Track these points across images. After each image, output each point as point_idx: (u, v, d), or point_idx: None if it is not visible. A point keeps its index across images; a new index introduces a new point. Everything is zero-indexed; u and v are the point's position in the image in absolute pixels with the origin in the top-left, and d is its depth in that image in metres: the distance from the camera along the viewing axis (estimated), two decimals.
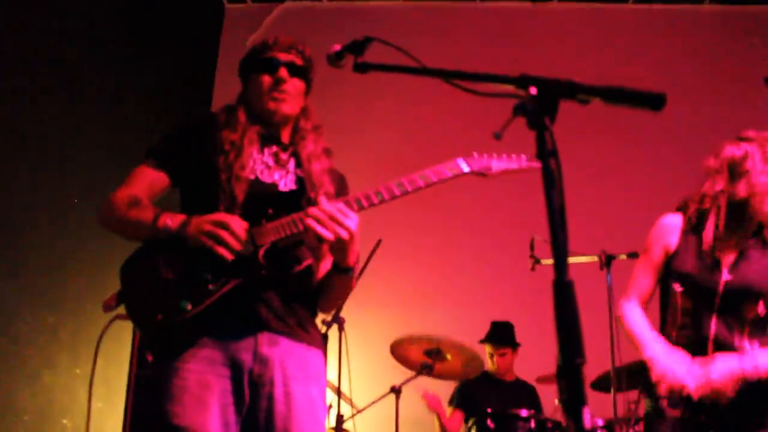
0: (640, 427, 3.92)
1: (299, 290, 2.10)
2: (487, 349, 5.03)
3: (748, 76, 5.98)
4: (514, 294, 5.65)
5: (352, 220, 1.95)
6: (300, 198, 2.09)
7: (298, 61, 2.21)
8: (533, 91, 1.26)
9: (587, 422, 1.07)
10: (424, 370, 4.18)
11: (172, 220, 1.98)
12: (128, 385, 4.01)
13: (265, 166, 2.14)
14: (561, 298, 1.16)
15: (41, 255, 4.35)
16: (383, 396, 4.21)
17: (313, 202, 2.03)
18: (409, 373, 4.26)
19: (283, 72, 2.18)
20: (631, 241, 4.22)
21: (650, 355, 2.46)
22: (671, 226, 2.61)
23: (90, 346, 4.56)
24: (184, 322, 1.92)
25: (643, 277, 2.60)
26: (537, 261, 4.40)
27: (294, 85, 2.21)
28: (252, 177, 2.09)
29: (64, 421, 4.40)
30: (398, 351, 4.17)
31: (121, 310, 2.01)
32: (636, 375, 3.96)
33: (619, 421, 3.72)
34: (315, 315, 2.21)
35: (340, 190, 2.24)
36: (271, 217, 2.00)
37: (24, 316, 4.24)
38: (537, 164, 2.06)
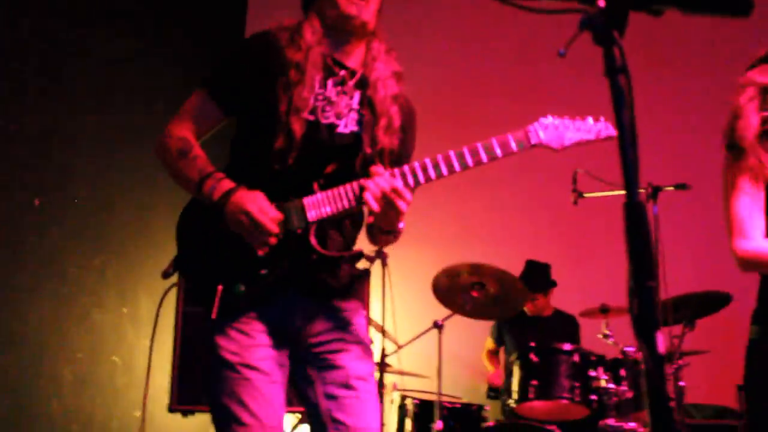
0: (685, 360, 3.90)
1: (348, 259, 2.08)
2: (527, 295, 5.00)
3: None
4: (555, 229, 5.59)
5: (405, 201, 1.85)
6: (357, 150, 1.95)
7: None
8: (601, 2, 1.19)
9: (661, 347, 1.04)
10: (467, 305, 4.08)
11: (216, 187, 1.88)
12: (175, 324, 4.09)
13: (327, 102, 1.98)
14: (632, 220, 1.12)
15: (87, 198, 4.41)
16: (426, 331, 4.22)
17: (370, 160, 1.93)
18: (448, 312, 4.19)
19: None
20: (678, 173, 4.13)
21: None
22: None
23: (136, 285, 4.66)
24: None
25: (755, 213, 2.40)
26: (580, 195, 4.25)
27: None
28: (312, 118, 1.95)
29: (114, 358, 4.53)
30: (440, 284, 4.13)
31: (175, 279, 2.09)
32: (681, 307, 3.92)
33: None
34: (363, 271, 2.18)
35: (408, 125, 2.07)
36: (323, 186, 1.91)
37: (73, 258, 4.33)
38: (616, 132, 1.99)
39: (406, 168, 1.89)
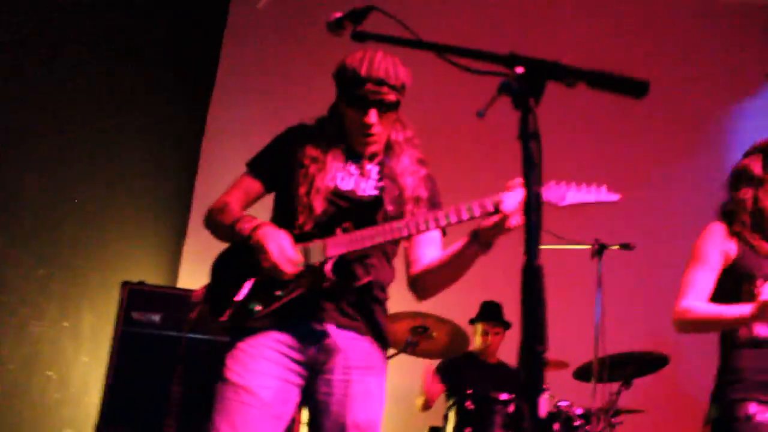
0: (619, 418, 3.93)
1: (366, 294, 2.19)
2: (480, 328, 4.98)
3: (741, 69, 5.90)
4: (503, 276, 5.59)
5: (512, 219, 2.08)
6: (377, 207, 2.14)
7: (390, 97, 2.17)
8: (520, 70, 1.24)
9: (543, 409, 1.06)
10: (408, 347, 4.17)
11: (248, 224, 2.10)
12: (113, 340, 4.03)
13: (347, 173, 2.22)
14: (528, 283, 1.15)
15: (34, 207, 4.35)
16: None
17: (390, 217, 2.11)
18: (392, 351, 4.26)
19: (372, 116, 2.17)
20: (624, 232, 4.21)
21: (742, 309, 2.40)
22: (723, 232, 2.60)
23: (80, 300, 4.58)
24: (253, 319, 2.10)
25: (703, 281, 2.53)
26: None
27: (384, 124, 2.22)
28: (332, 185, 2.17)
29: (49, 373, 4.42)
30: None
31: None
32: (619, 366, 3.97)
33: (598, 411, 3.72)
34: (384, 313, 2.27)
35: (433, 197, 2.30)
36: (347, 229, 2.07)
37: (15, 267, 4.25)
38: (617, 196, 2.11)
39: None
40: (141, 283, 4.18)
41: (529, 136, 1.21)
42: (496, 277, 5.53)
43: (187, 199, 5.86)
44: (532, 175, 1.20)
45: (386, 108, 2.17)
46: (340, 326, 2.12)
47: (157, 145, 5.39)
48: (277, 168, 2.25)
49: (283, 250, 2.02)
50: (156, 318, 4.06)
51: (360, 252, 2.08)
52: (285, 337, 2.10)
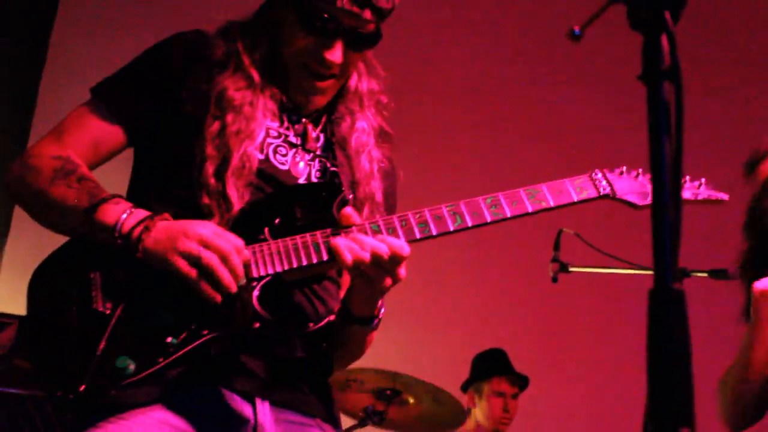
0: None
1: (315, 344, 1.44)
2: (487, 389, 3.34)
3: None
4: (519, 318, 4.07)
5: (403, 266, 1.28)
6: (327, 198, 1.38)
7: (370, 27, 1.41)
8: None
9: None
10: (370, 419, 2.94)
11: (125, 214, 1.27)
12: None
13: (282, 140, 1.45)
14: (660, 319, 0.66)
15: None
16: None
17: (345, 203, 1.37)
18: (350, 421, 2.97)
19: (336, 51, 1.39)
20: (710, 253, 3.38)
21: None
22: None
23: None
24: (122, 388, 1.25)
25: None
26: (563, 268, 2.86)
27: (346, 66, 1.44)
28: (261, 156, 1.40)
29: None
30: (338, 392, 2.79)
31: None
32: None
33: None
34: (330, 373, 1.51)
35: (389, 194, 1.54)
36: (277, 230, 1.33)
37: None
38: (724, 195, 1.41)
39: (395, 220, 1.34)
40: None
41: (661, 74, 0.73)
42: (508, 318, 3.99)
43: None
44: (665, 138, 0.72)
45: (360, 43, 1.42)
46: (277, 404, 1.34)
47: None
48: (156, 108, 1.41)
49: (224, 236, 1.25)
50: None
51: (308, 270, 1.31)
52: (179, 422, 1.28)
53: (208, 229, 1.25)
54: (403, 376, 2.95)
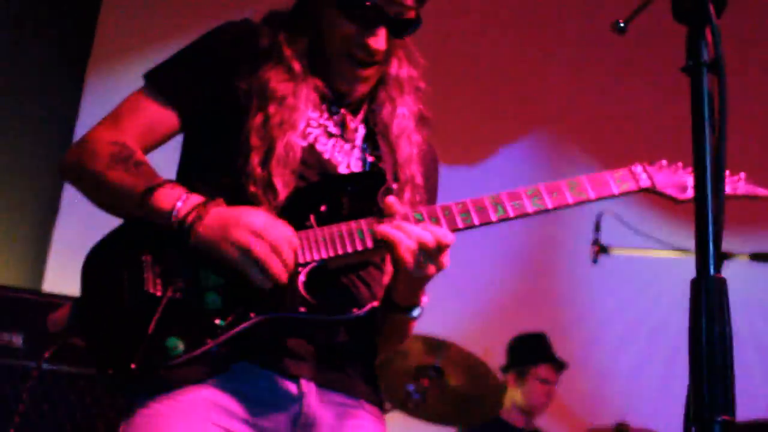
0: None
1: (361, 330, 1.46)
2: (534, 375, 3.36)
3: None
4: (553, 302, 4.02)
5: (446, 255, 1.31)
6: (372, 187, 1.41)
7: (411, 14, 1.43)
8: None
9: None
10: (411, 400, 2.81)
11: (180, 201, 1.30)
12: None
13: (323, 131, 1.47)
14: (702, 307, 0.68)
15: None
16: None
17: (389, 192, 1.39)
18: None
19: (380, 38, 1.41)
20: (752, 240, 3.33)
21: None
22: None
23: None
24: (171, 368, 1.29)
25: None
26: (603, 249, 2.92)
27: (390, 50, 1.46)
28: (304, 143, 1.42)
29: None
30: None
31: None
32: None
33: None
34: (375, 356, 1.53)
35: (429, 180, 1.57)
36: (323, 217, 1.36)
37: None
38: (763, 192, 1.40)
39: (438, 209, 1.36)
40: None
41: (703, 65, 0.73)
42: (540, 302, 3.97)
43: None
44: (707, 129, 0.72)
45: (403, 29, 1.44)
46: (323, 386, 1.37)
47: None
48: (208, 95, 1.43)
49: (277, 227, 1.28)
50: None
51: (353, 257, 1.35)
52: (227, 400, 1.32)
53: (260, 218, 1.27)
54: (446, 343, 2.83)
